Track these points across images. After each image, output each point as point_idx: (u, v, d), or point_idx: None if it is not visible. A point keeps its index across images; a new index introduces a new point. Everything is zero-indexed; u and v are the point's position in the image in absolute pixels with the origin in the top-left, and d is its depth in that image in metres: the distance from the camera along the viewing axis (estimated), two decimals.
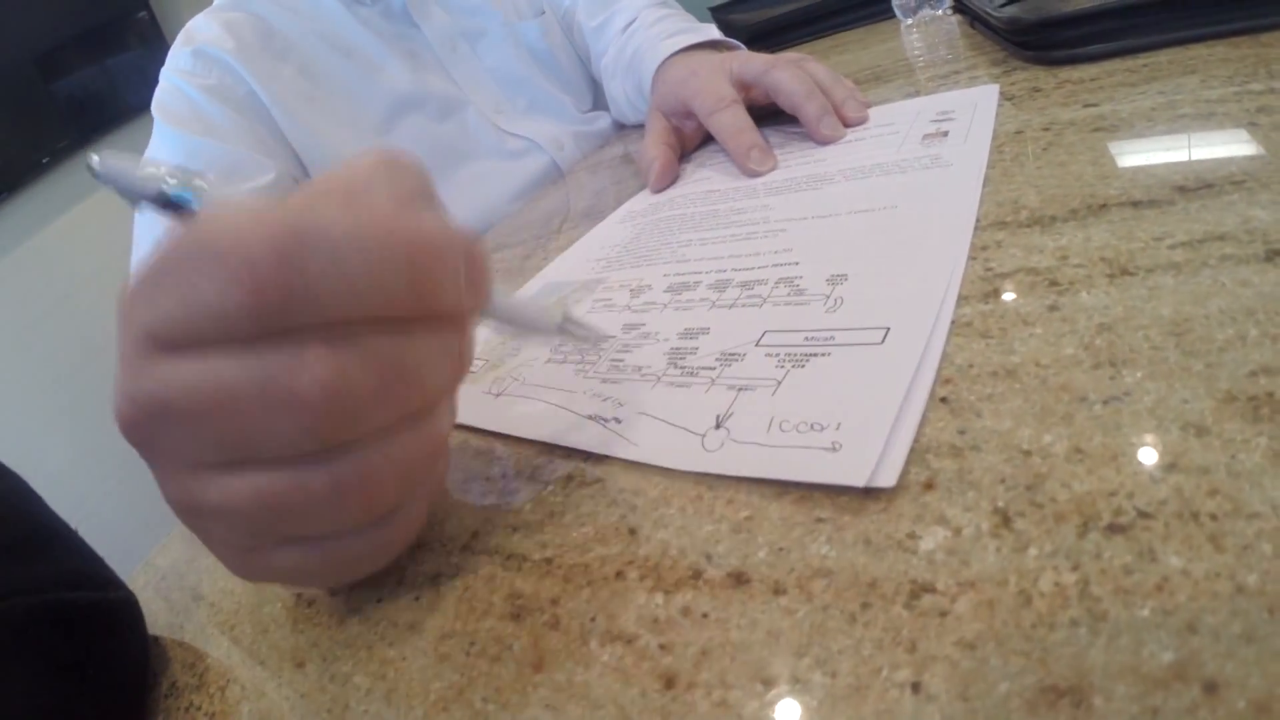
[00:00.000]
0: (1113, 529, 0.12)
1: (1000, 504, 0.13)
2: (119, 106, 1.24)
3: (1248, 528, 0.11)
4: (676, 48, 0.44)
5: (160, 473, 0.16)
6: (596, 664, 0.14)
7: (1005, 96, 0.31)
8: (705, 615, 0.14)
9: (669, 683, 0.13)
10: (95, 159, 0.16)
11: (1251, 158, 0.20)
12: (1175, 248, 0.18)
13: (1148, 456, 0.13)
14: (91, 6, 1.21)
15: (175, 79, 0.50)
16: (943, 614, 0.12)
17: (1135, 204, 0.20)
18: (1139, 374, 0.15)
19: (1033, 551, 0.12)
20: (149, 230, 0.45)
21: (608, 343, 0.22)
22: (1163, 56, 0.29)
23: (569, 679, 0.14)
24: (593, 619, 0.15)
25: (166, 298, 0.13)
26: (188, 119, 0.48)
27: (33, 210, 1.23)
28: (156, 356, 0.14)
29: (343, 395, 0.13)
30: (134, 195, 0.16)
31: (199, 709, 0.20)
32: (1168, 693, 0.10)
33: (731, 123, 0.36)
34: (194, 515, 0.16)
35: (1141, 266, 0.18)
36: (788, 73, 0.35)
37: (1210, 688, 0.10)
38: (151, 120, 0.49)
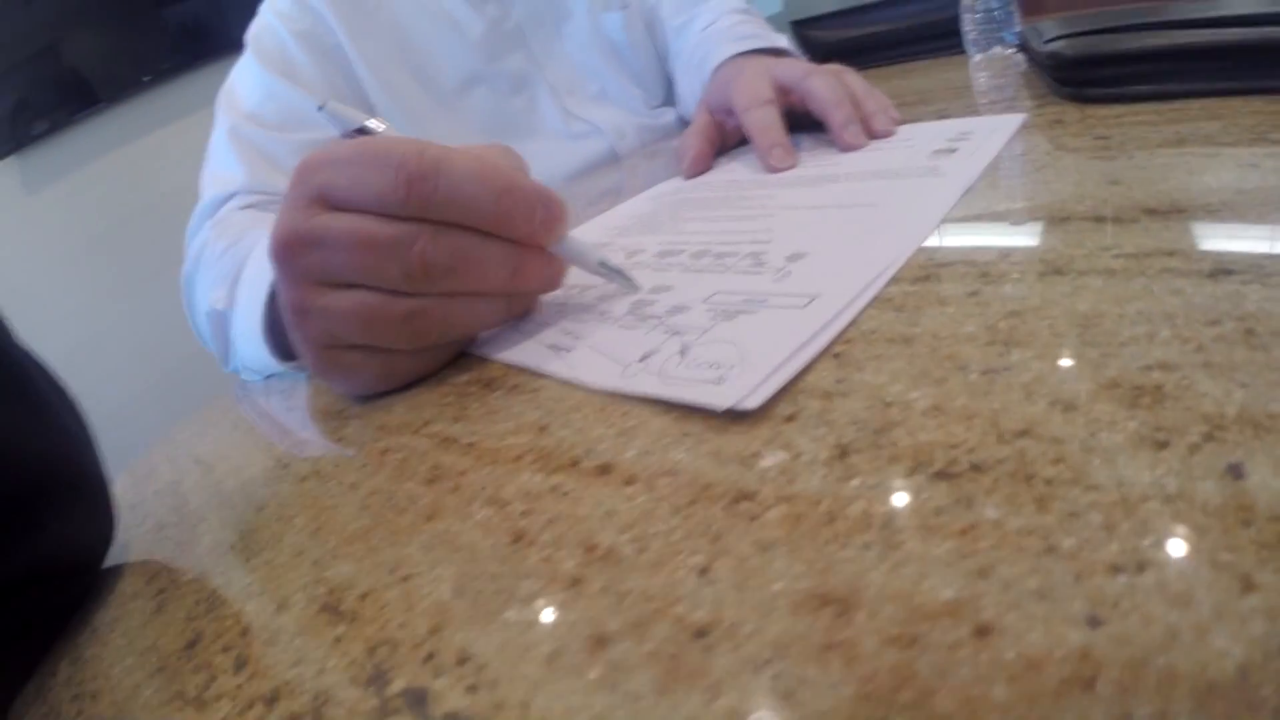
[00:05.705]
0: (940, 475, 0.12)
1: (845, 440, 0.13)
2: (225, 38, 1.15)
3: (1082, 497, 0.10)
4: (738, 50, 0.45)
5: (287, 283, 0.22)
6: (471, 520, 0.15)
7: (1028, 126, 0.30)
8: (567, 494, 0.15)
9: (516, 539, 0.14)
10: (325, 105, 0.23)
11: (1237, 191, 0.19)
12: (1119, 257, 0.17)
13: (1003, 421, 0.13)
14: None
15: (272, 17, 0.50)
16: (752, 518, 0.12)
17: (1098, 219, 0.19)
18: (1028, 354, 0.14)
19: (855, 482, 0.12)
20: (225, 150, 0.47)
21: (635, 290, 0.24)
22: (1196, 104, 0.26)
23: (447, 529, 0.15)
24: (484, 488, 0.16)
25: (342, 174, 0.20)
26: (275, 58, 0.49)
27: (128, 123, 1.20)
28: (321, 208, 0.21)
29: (430, 263, 0.20)
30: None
31: (169, 538, 0.22)
32: (934, 625, 0.09)
33: (761, 120, 0.36)
34: (300, 314, 0.22)
35: (1076, 269, 0.17)
36: (823, 81, 0.35)
37: (982, 632, 0.09)
38: None
